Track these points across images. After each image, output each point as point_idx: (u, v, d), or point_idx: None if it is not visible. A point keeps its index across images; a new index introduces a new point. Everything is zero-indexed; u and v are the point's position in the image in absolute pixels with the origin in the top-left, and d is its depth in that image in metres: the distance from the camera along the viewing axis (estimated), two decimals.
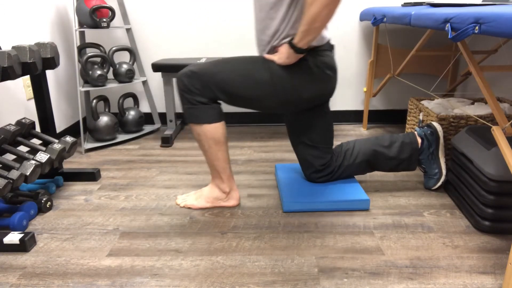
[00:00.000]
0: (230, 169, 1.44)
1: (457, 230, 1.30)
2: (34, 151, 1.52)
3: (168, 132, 2.23)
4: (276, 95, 1.31)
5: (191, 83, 1.29)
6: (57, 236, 1.31)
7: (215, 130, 1.33)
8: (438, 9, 1.34)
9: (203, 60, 2.13)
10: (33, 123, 1.59)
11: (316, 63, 1.30)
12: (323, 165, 1.50)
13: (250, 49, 2.38)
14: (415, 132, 1.56)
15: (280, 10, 1.24)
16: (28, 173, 1.34)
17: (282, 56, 1.27)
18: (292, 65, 1.29)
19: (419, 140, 1.53)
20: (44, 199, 1.45)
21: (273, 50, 1.32)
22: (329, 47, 1.36)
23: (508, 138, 1.06)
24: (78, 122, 2.43)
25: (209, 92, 1.30)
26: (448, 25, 1.19)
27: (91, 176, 1.72)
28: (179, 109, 2.54)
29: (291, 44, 1.22)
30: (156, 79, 2.47)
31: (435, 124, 1.54)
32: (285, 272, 1.11)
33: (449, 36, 1.17)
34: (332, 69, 1.34)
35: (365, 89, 2.31)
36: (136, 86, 2.49)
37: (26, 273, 1.12)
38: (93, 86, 2.12)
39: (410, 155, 1.51)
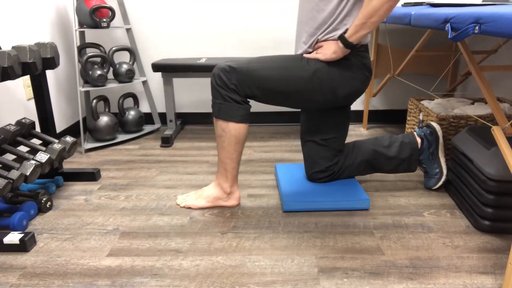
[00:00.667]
0: (237, 171, 1.44)
1: (457, 230, 1.30)
2: (34, 151, 1.52)
3: (168, 132, 2.23)
4: (313, 92, 1.31)
5: (228, 78, 1.29)
6: (57, 236, 1.31)
7: (239, 130, 1.34)
8: (438, 9, 1.34)
9: (203, 60, 2.13)
10: (33, 123, 1.59)
11: (357, 63, 1.31)
12: (328, 166, 1.50)
13: (250, 49, 2.38)
14: (415, 133, 1.56)
15: (331, 3, 1.24)
16: (28, 173, 1.34)
17: (328, 52, 1.26)
18: (334, 63, 1.29)
19: (419, 141, 1.53)
20: (44, 199, 1.45)
21: (315, 43, 1.32)
22: (367, 49, 1.37)
23: (508, 138, 1.06)
24: (78, 122, 2.43)
25: (246, 88, 1.30)
26: (448, 25, 1.19)
27: (91, 176, 1.72)
28: (179, 109, 2.54)
29: (342, 38, 1.22)
30: (156, 79, 2.47)
31: (434, 124, 1.54)
32: (285, 272, 1.11)
33: (449, 36, 1.17)
34: (370, 70, 1.36)
35: None
36: (136, 86, 2.49)
37: (26, 273, 1.12)
38: (93, 86, 2.12)
39: (410, 155, 1.52)
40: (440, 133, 1.53)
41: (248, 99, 1.35)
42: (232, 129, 1.33)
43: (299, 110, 2.51)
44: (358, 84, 1.34)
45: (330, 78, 1.30)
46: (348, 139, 2.21)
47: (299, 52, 1.38)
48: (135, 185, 1.68)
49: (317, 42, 1.32)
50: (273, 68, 1.30)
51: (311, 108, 1.42)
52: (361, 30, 1.18)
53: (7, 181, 1.26)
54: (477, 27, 1.02)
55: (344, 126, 1.49)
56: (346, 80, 1.31)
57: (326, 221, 1.37)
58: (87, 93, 2.28)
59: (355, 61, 1.30)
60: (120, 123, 2.29)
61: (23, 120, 1.56)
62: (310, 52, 1.35)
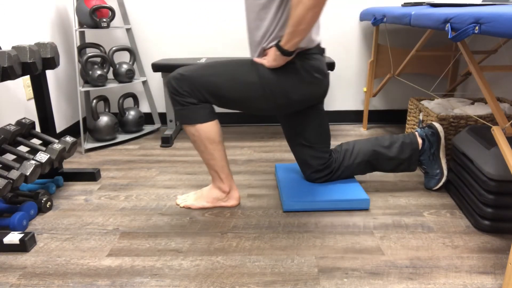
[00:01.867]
0: (228, 168, 1.44)
1: (457, 230, 1.30)
2: (34, 151, 1.52)
3: (168, 132, 2.23)
4: (265, 98, 1.31)
5: (180, 85, 1.29)
6: (57, 236, 1.31)
7: (208, 129, 1.33)
8: (438, 9, 1.34)
9: (203, 60, 2.13)
10: (33, 123, 1.59)
11: (304, 66, 1.30)
12: (322, 165, 1.50)
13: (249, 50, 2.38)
14: (416, 133, 1.56)
15: (270, 11, 1.24)
16: (28, 173, 1.34)
17: (270, 59, 1.27)
18: (280, 68, 1.29)
19: (420, 141, 1.53)
20: (44, 199, 1.45)
21: (263, 51, 1.32)
22: (319, 51, 1.35)
23: (508, 138, 1.06)
24: (78, 122, 2.43)
25: (198, 94, 1.30)
26: (448, 25, 1.19)
27: (91, 176, 1.72)
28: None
29: (278, 46, 1.22)
30: (156, 79, 2.47)
31: (436, 124, 1.54)
32: (285, 272, 1.11)
33: (449, 36, 1.17)
34: (321, 72, 1.34)
35: (365, 89, 2.31)
36: (136, 86, 2.49)
37: (26, 273, 1.12)
38: (93, 86, 2.12)
39: (410, 155, 1.51)
40: (442, 134, 1.52)
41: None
42: (201, 131, 1.33)
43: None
44: (310, 88, 1.33)
45: (279, 83, 1.29)
46: (348, 139, 2.21)
47: None
48: (135, 185, 1.68)
49: (263, 51, 1.32)
50: (222, 74, 1.30)
51: (271, 113, 1.41)
52: (293, 38, 1.17)
53: (7, 181, 1.26)
54: (477, 27, 1.02)
55: (322, 123, 1.47)
56: (295, 85, 1.31)
57: (326, 221, 1.37)
58: (87, 93, 2.28)
59: (302, 65, 1.29)
60: (120, 123, 2.29)
61: (23, 120, 1.56)
62: None
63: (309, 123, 1.45)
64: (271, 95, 1.31)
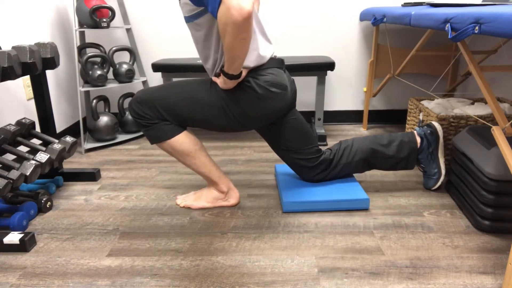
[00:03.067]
0: (217, 170, 1.44)
1: (457, 230, 1.30)
2: (34, 151, 1.52)
3: None
4: (226, 117, 1.32)
5: (141, 109, 1.30)
6: (57, 236, 1.31)
7: (179, 142, 1.34)
8: (438, 9, 1.34)
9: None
10: (33, 123, 1.59)
11: (258, 83, 1.29)
12: (313, 163, 1.49)
13: None
14: (415, 132, 1.56)
15: (212, 42, 1.26)
16: (28, 173, 1.34)
17: (221, 82, 1.27)
18: (235, 88, 1.29)
19: (418, 140, 1.53)
20: (44, 199, 1.45)
21: (218, 76, 1.32)
22: (276, 64, 1.34)
23: (508, 138, 1.06)
24: (78, 122, 2.43)
25: (160, 116, 1.31)
26: (448, 25, 1.19)
27: (91, 176, 1.72)
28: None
29: (223, 72, 1.23)
30: (156, 79, 2.47)
31: (435, 123, 1.54)
32: (285, 272, 1.11)
33: (449, 36, 1.17)
34: (278, 85, 1.31)
35: (365, 89, 2.31)
36: (136, 86, 2.49)
37: (26, 273, 1.12)
38: (93, 86, 2.12)
39: (408, 154, 1.51)
40: (440, 133, 1.52)
41: None
42: (173, 146, 1.34)
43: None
44: (269, 103, 1.32)
45: (236, 102, 1.29)
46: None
47: None
48: (135, 185, 1.68)
49: (218, 75, 1.32)
50: (180, 94, 1.31)
51: (236, 131, 1.40)
52: (232, 63, 1.17)
53: (7, 181, 1.26)
54: (477, 27, 1.02)
55: (298, 128, 1.45)
56: (253, 102, 1.30)
57: (326, 221, 1.37)
58: (87, 93, 2.28)
59: (255, 82, 1.29)
60: (120, 123, 2.29)
61: (23, 120, 1.56)
62: None
63: (285, 130, 1.44)
64: (230, 114, 1.31)
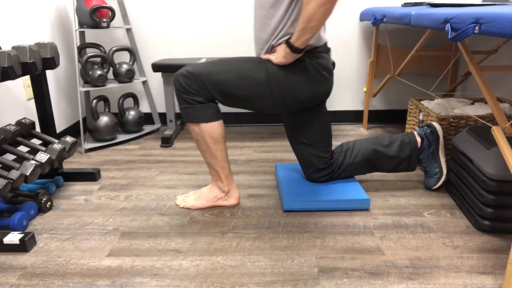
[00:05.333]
0: (229, 168, 1.44)
1: (457, 230, 1.30)
2: (34, 151, 1.52)
3: (168, 132, 2.23)
4: (272, 96, 1.32)
5: (187, 83, 1.29)
6: (57, 236, 1.31)
7: (212, 129, 1.33)
8: (438, 9, 1.34)
9: (203, 60, 2.13)
10: (33, 123, 1.59)
11: (313, 64, 1.30)
12: (323, 164, 1.50)
13: (249, 49, 2.38)
14: (415, 132, 1.56)
15: (280, 9, 1.24)
16: (28, 173, 1.34)
17: (279, 55, 1.27)
18: (288, 66, 1.29)
19: (419, 140, 1.53)
20: (44, 199, 1.45)
21: (271, 49, 1.32)
22: (326, 49, 1.37)
23: (508, 138, 1.06)
24: (78, 122, 2.43)
25: (206, 92, 1.30)
26: (448, 25, 1.19)
27: (91, 176, 1.72)
28: (179, 109, 2.53)
29: (288, 43, 1.22)
30: (156, 79, 2.47)
31: (435, 123, 1.54)
32: (285, 272, 1.11)
33: (449, 36, 1.17)
34: (329, 71, 1.35)
35: (365, 89, 2.31)
36: (136, 86, 2.49)
37: (26, 273, 1.12)
38: (93, 86, 2.12)
39: (409, 154, 1.52)
40: (440, 132, 1.53)
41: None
42: (205, 131, 1.33)
43: None
44: (317, 86, 1.34)
45: (287, 80, 1.30)
46: (348, 139, 2.21)
47: None
48: (135, 185, 1.68)
49: (272, 48, 1.32)
50: (230, 71, 1.31)
51: (276, 111, 1.41)
52: (303, 34, 1.18)
53: (7, 181, 1.26)
54: (477, 27, 1.02)
55: (324, 122, 1.48)
56: (303, 82, 1.31)
57: (326, 221, 1.37)
58: (87, 93, 2.28)
59: (310, 63, 1.30)
60: (120, 123, 2.29)
61: (23, 120, 1.56)
62: None
63: (312, 122, 1.46)
64: (278, 93, 1.31)
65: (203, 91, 1.30)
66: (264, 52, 1.34)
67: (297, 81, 1.30)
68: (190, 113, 1.32)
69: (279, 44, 1.29)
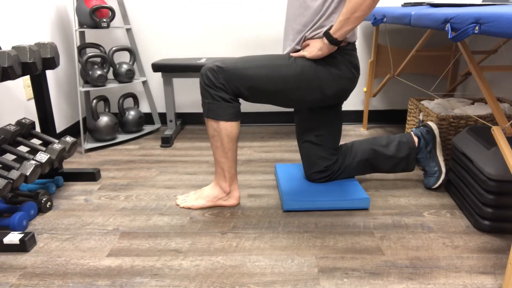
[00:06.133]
0: (235, 170, 1.44)
1: (457, 230, 1.30)
2: (34, 151, 1.52)
3: (168, 132, 2.23)
4: (300, 90, 1.32)
5: (216, 77, 1.29)
6: (57, 236, 1.31)
7: (231, 128, 1.34)
8: (438, 9, 1.34)
9: (203, 61, 2.13)
10: (33, 123, 1.59)
11: (343, 61, 1.31)
12: (326, 166, 1.51)
13: (250, 50, 2.38)
14: (411, 132, 1.57)
15: (318, 0, 1.24)
16: (28, 173, 1.34)
17: (314, 49, 1.27)
18: (320, 61, 1.29)
19: (416, 140, 1.54)
20: (44, 199, 1.45)
21: (303, 41, 1.32)
22: (355, 48, 1.38)
23: (508, 138, 1.06)
24: (78, 122, 2.43)
25: (233, 87, 1.30)
26: (448, 25, 1.19)
27: (91, 176, 1.72)
28: (179, 109, 2.54)
29: (327, 34, 1.22)
30: (156, 79, 2.47)
31: (431, 123, 1.56)
32: (285, 272, 1.11)
33: (449, 36, 1.17)
34: (357, 68, 1.37)
35: (365, 89, 2.31)
36: (136, 86, 2.49)
37: (26, 273, 1.12)
38: (93, 86, 2.12)
39: (408, 153, 1.52)
40: (436, 131, 1.54)
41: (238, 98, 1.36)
42: (223, 128, 1.34)
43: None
44: (346, 83, 1.35)
45: (317, 76, 1.30)
46: (348, 139, 2.21)
47: (287, 49, 1.39)
48: (135, 185, 1.68)
49: (304, 40, 1.32)
50: (260, 67, 1.31)
51: (300, 107, 1.42)
52: (345, 25, 1.18)
53: (7, 181, 1.26)
54: (477, 27, 1.02)
55: (337, 123, 1.49)
56: (333, 78, 1.32)
57: (326, 221, 1.37)
58: (87, 93, 2.28)
59: (341, 59, 1.31)
60: (120, 123, 2.29)
61: (23, 120, 1.56)
62: (297, 50, 1.36)
63: (326, 121, 1.46)
64: (306, 88, 1.32)
65: (231, 86, 1.30)
66: (295, 43, 1.34)
67: (327, 76, 1.31)
68: (212, 109, 1.32)
69: (312, 36, 1.29)
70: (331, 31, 1.22)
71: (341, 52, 1.31)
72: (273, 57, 1.33)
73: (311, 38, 1.30)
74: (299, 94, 1.33)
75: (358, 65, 1.38)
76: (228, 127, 1.34)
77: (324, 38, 1.24)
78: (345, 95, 1.39)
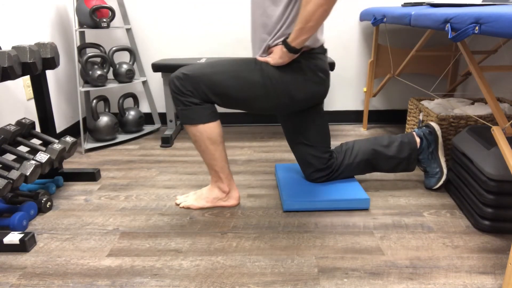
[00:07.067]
0: (228, 169, 1.44)
1: (457, 230, 1.30)
2: (34, 151, 1.52)
3: (168, 132, 2.23)
4: (268, 97, 1.32)
5: (183, 85, 1.29)
6: (57, 236, 1.31)
7: (210, 130, 1.33)
8: (438, 9, 1.34)
9: (203, 60, 2.13)
10: (33, 123, 1.59)
11: (309, 65, 1.30)
12: (323, 164, 1.50)
13: (249, 49, 2.38)
14: (414, 133, 1.57)
15: (278, 9, 1.24)
16: (28, 173, 1.34)
17: (276, 56, 1.27)
18: (285, 67, 1.29)
19: (418, 140, 1.54)
20: (44, 199, 1.45)
21: (268, 49, 1.32)
22: (323, 51, 1.36)
23: (508, 138, 1.06)
24: (78, 122, 2.43)
25: (201, 93, 1.30)
26: (448, 25, 1.19)
27: (91, 176, 1.72)
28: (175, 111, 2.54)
29: (285, 43, 1.22)
30: (156, 79, 2.47)
31: (433, 123, 1.55)
32: (285, 272, 1.11)
33: (449, 36, 1.17)
34: (325, 72, 1.35)
35: (365, 89, 2.31)
36: (136, 86, 2.49)
37: (26, 273, 1.12)
38: (93, 86, 2.12)
39: (409, 154, 1.52)
40: (439, 132, 1.53)
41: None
42: (202, 132, 1.33)
43: None
44: (313, 87, 1.34)
45: (282, 81, 1.30)
46: (348, 139, 2.21)
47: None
48: (135, 185, 1.68)
49: (268, 48, 1.32)
50: (226, 72, 1.30)
51: (274, 112, 1.41)
52: (301, 34, 1.18)
53: (7, 181, 1.26)
54: (477, 27, 1.02)
55: (322, 123, 1.48)
56: (299, 83, 1.31)
57: (326, 221, 1.37)
58: (87, 93, 2.28)
59: (307, 64, 1.30)
60: (120, 123, 2.29)
61: (23, 120, 1.56)
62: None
63: (309, 122, 1.46)
64: (274, 94, 1.31)
65: (199, 92, 1.30)
66: (261, 52, 1.34)
67: (293, 82, 1.30)
68: (186, 114, 1.32)
69: (276, 44, 1.29)
70: (288, 40, 1.21)
71: (306, 57, 1.30)
72: (240, 62, 1.33)
73: (275, 46, 1.30)
74: (268, 99, 1.32)
75: (326, 68, 1.35)
76: (207, 129, 1.33)
77: (283, 46, 1.24)
78: (317, 98, 1.38)
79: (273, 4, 1.24)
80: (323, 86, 1.37)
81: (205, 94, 1.30)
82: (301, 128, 1.46)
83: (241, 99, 1.32)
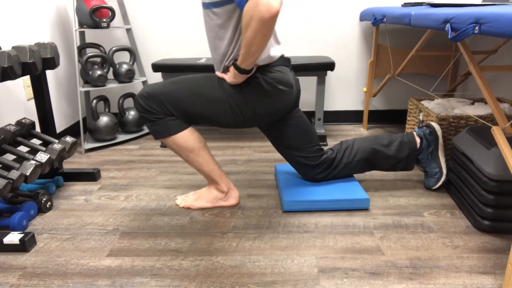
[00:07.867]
0: (219, 169, 1.44)
1: (457, 230, 1.30)
2: (34, 151, 1.52)
3: None
4: (232, 112, 1.32)
5: (147, 104, 1.30)
6: (57, 236, 1.31)
7: (184, 139, 1.33)
8: (438, 9, 1.34)
9: (203, 61, 2.13)
10: (33, 123, 1.59)
11: (265, 79, 1.30)
12: (315, 161, 1.49)
13: None
14: (414, 132, 1.57)
15: (227, 31, 1.25)
16: (28, 173, 1.34)
17: (230, 76, 1.28)
18: (242, 84, 1.29)
19: (418, 140, 1.54)
20: (44, 199, 1.45)
21: (226, 69, 1.33)
22: (284, 62, 1.35)
23: (508, 138, 1.06)
24: (78, 122, 2.43)
25: (166, 111, 1.30)
26: (448, 25, 1.19)
27: (91, 176, 1.72)
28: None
29: (235, 66, 1.23)
30: (156, 79, 2.47)
31: (434, 124, 1.55)
32: (285, 272, 1.11)
33: (449, 36, 1.17)
34: (285, 83, 1.33)
35: (365, 89, 2.31)
36: (136, 86, 2.49)
37: (26, 273, 1.12)
38: (93, 86, 2.12)
39: (408, 154, 1.52)
40: (439, 133, 1.53)
41: None
42: (177, 142, 1.33)
43: None
44: (275, 100, 1.33)
45: (243, 97, 1.30)
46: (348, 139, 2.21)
47: None
48: (135, 185, 1.68)
49: (226, 68, 1.32)
50: (188, 89, 1.30)
51: (242, 127, 1.41)
52: (247, 58, 1.18)
53: (7, 181, 1.26)
54: (477, 27, 1.02)
55: (303, 124, 1.46)
56: (259, 98, 1.31)
57: (326, 221, 1.37)
58: (87, 93, 2.28)
59: (263, 78, 1.30)
60: (120, 123, 2.29)
61: (23, 120, 1.56)
62: None
63: (288, 128, 1.45)
64: (237, 110, 1.32)
65: (163, 110, 1.30)
66: (220, 71, 1.35)
67: (252, 97, 1.30)
68: (155, 129, 1.32)
69: (231, 65, 1.30)
70: (237, 62, 1.22)
71: (262, 71, 1.30)
72: (202, 79, 1.33)
73: (230, 66, 1.30)
74: (233, 115, 1.32)
75: (286, 79, 1.33)
76: (180, 139, 1.33)
77: (233, 68, 1.24)
78: (283, 110, 1.37)
79: (222, 27, 1.25)
80: (286, 98, 1.35)
81: (169, 111, 1.30)
82: (281, 135, 1.46)
83: (206, 116, 1.33)
